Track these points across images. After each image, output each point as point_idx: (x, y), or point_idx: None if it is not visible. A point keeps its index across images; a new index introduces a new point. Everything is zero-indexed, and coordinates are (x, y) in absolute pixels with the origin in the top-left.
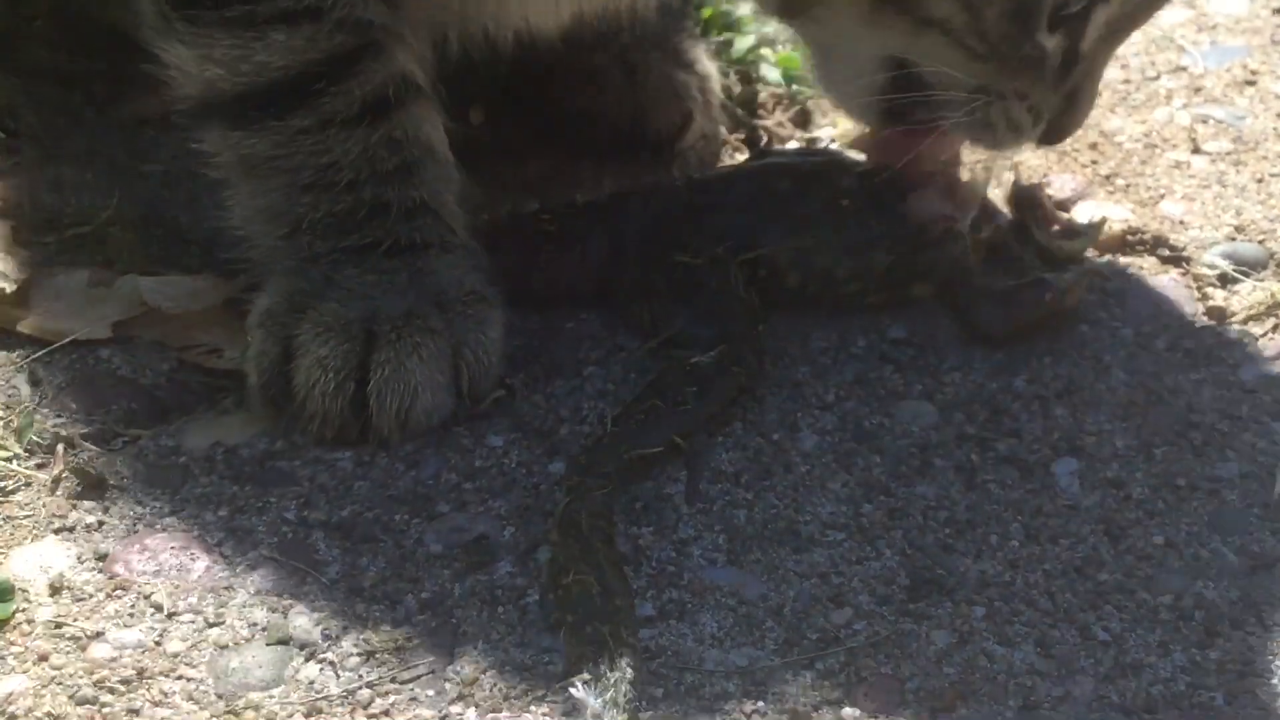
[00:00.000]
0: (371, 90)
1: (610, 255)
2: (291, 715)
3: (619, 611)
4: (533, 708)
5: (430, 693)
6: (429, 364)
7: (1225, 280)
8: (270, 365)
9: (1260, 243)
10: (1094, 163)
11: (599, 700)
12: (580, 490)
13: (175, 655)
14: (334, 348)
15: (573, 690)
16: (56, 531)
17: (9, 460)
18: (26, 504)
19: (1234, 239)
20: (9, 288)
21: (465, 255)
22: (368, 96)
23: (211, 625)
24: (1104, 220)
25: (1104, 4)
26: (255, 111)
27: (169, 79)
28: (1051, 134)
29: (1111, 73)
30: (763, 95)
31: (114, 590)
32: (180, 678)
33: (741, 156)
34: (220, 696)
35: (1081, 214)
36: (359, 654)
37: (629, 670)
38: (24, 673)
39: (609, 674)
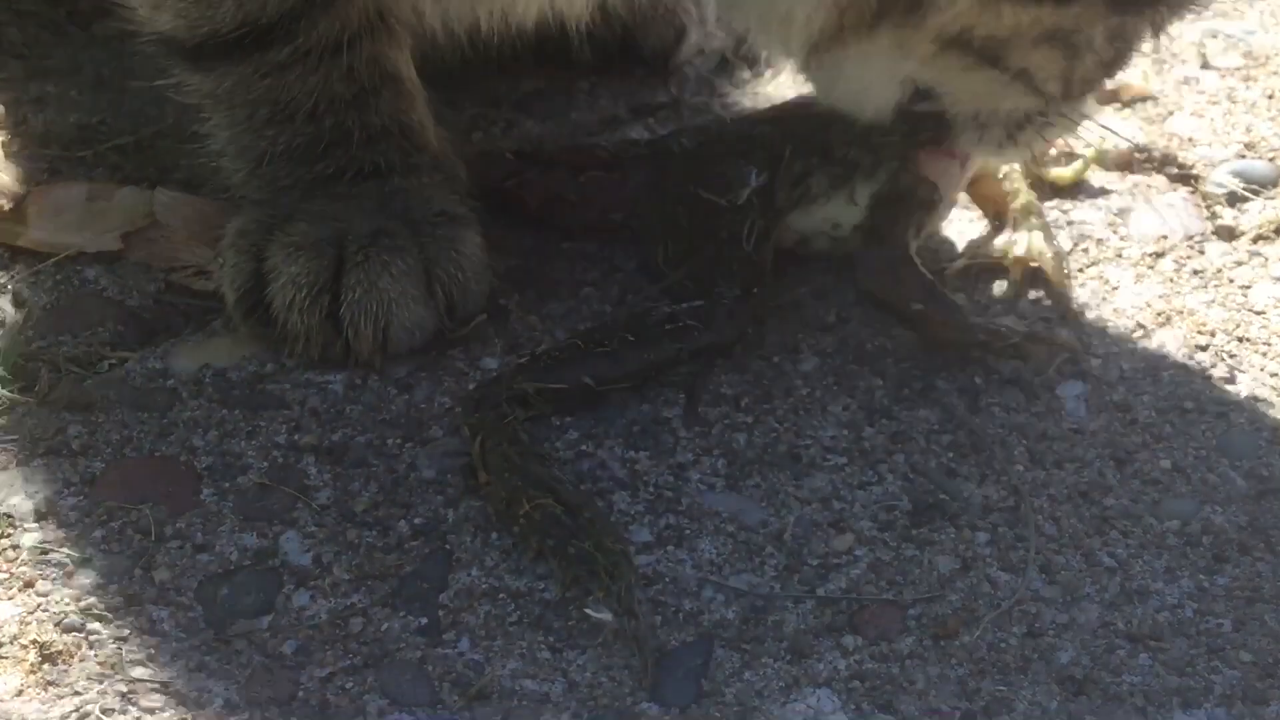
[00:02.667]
0: (323, 35)
1: (649, 187)
2: (282, 643)
3: (592, 524)
4: (528, 635)
5: (423, 620)
6: (401, 281)
7: (1234, 199)
8: (244, 282)
9: (1270, 160)
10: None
11: (616, 615)
12: (488, 426)
13: (163, 583)
14: (304, 264)
15: (590, 611)
16: (42, 456)
17: None
18: (11, 428)
19: (1244, 156)
20: (6, 204)
21: (434, 174)
22: (321, 40)
23: (200, 551)
24: (1101, 143)
25: None
26: (210, 61)
27: (132, 17)
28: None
29: None
30: None
31: (101, 516)
32: (169, 605)
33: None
34: (209, 624)
35: (1086, 132)
36: (350, 580)
37: (630, 576)
38: (9, 600)
39: (613, 586)
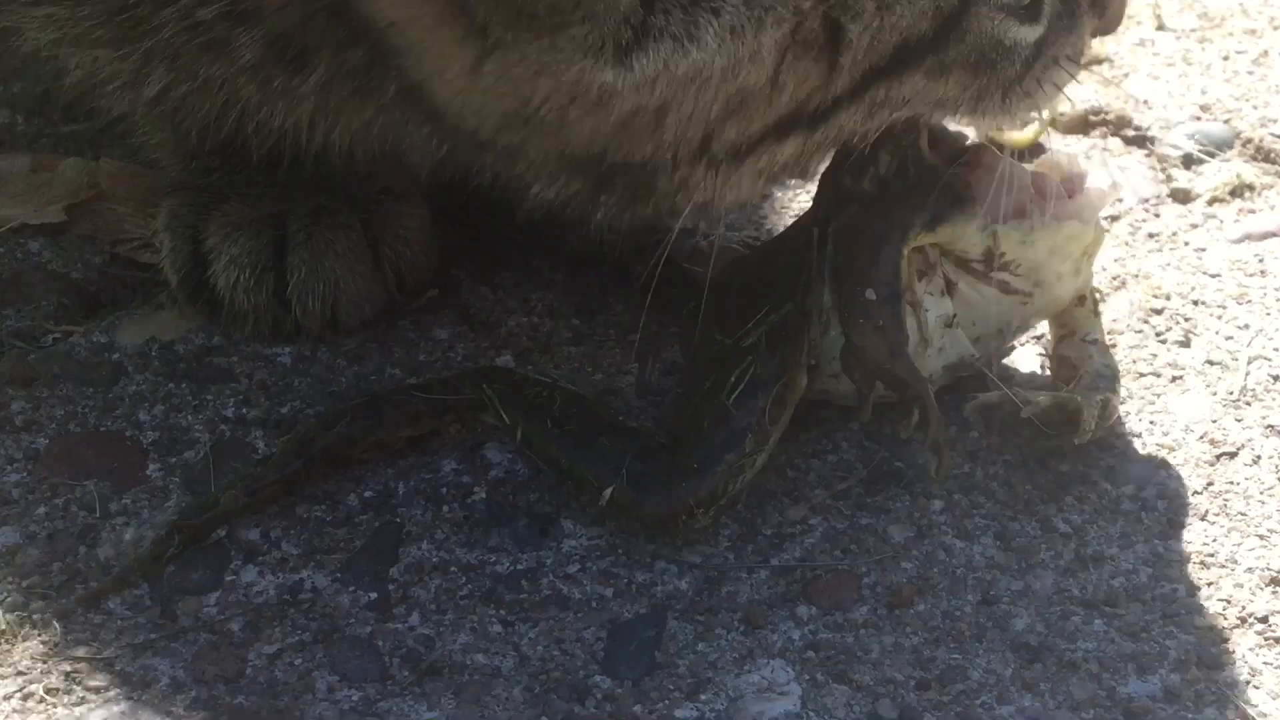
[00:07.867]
0: None
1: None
2: (230, 620)
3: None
4: (479, 609)
5: (373, 595)
6: (346, 257)
7: (1190, 161)
8: (184, 263)
9: (1226, 122)
10: None
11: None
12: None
13: (108, 560)
14: (245, 244)
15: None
16: None
17: None
18: None
19: (1199, 118)
20: None
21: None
22: None
23: (146, 528)
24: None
25: None
26: None
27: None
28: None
29: None
30: None
31: (45, 493)
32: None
33: None
34: (155, 601)
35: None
36: (299, 555)
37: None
38: None
39: None
